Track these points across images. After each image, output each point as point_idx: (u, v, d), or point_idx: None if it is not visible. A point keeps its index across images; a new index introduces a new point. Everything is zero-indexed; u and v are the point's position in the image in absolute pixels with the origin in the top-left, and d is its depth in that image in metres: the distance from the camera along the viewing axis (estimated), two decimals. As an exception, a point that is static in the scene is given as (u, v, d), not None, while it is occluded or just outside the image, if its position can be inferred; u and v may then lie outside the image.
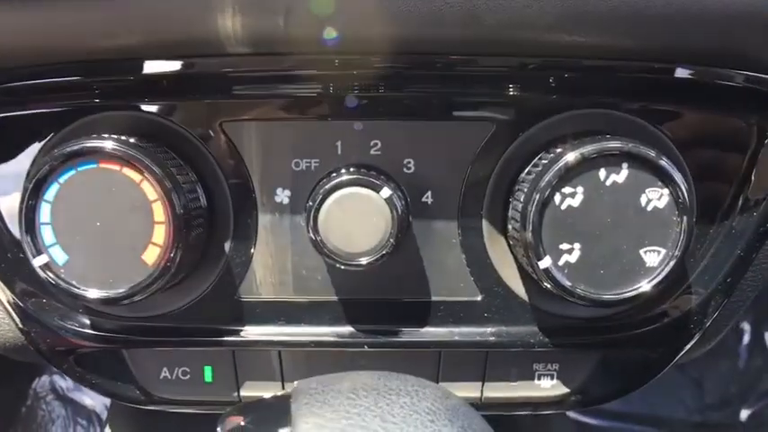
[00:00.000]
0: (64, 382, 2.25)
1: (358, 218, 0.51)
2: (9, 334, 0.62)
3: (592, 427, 1.83)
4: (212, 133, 0.54)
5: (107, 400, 2.26)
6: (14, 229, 0.55)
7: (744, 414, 2.25)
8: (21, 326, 0.59)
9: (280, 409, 0.34)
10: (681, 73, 0.55)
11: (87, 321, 0.58)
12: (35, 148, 0.54)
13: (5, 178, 0.55)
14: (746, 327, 2.48)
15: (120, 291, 0.50)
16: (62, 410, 2.14)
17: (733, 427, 2.22)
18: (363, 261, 0.51)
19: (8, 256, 0.56)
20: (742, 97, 0.55)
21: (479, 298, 0.57)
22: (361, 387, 0.34)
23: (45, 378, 2.20)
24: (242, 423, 0.35)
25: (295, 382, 0.40)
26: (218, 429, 0.35)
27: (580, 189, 0.50)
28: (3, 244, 0.56)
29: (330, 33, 0.48)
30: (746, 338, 2.36)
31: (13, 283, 0.57)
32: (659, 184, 0.50)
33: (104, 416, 2.24)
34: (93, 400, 2.22)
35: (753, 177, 0.56)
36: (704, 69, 0.53)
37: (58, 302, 0.58)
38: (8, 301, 0.58)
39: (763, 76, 0.53)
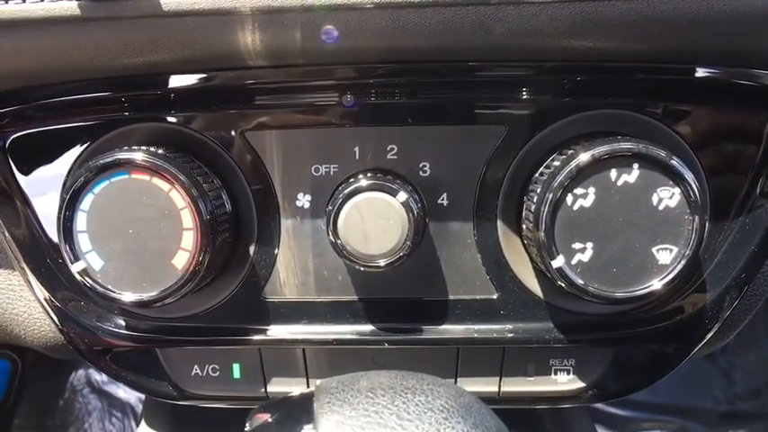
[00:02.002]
0: (99, 376, 2.32)
1: (376, 221, 0.53)
2: (49, 335, 0.66)
3: (618, 418, 1.83)
4: (235, 142, 0.57)
5: (141, 394, 2.33)
6: (53, 236, 0.59)
7: (774, 406, 2.22)
8: (60, 327, 0.62)
9: (303, 408, 0.36)
10: (691, 73, 0.55)
11: (122, 322, 0.61)
12: (70, 159, 0.57)
13: (43, 189, 0.58)
14: (776, 316, 2.43)
15: (153, 294, 0.53)
16: (98, 403, 2.21)
17: (762, 418, 2.19)
18: (381, 263, 0.53)
19: (47, 261, 0.60)
20: (753, 95, 0.55)
21: (495, 296, 0.59)
22: (378, 386, 0.36)
23: (81, 372, 2.27)
24: (269, 420, 0.37)
25: (317, 381, 0.42)
26: (247, 426, 0.37)
27: (592, 189, 0.51)
28: (42, 250, 0.59)
29: (342, 45, 0.50)
30: (777, 327, 2.32)
31: (53, 287, 0.60)
32: (670, 183, 0.51)
33: (138, 408, 2.31)
34: (127, 393, 2.29)
35: (765, 173, 0.56)
36: (714, 69, 0.54)
37: (94, 305, 0.61)
38: (48, 304, 0.61)
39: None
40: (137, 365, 0.64)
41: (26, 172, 0.58)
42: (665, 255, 0.51)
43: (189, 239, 0.53)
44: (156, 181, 0.52)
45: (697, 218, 0.50)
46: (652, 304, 0.57)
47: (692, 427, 1.90)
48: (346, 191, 0.54)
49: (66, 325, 0.62)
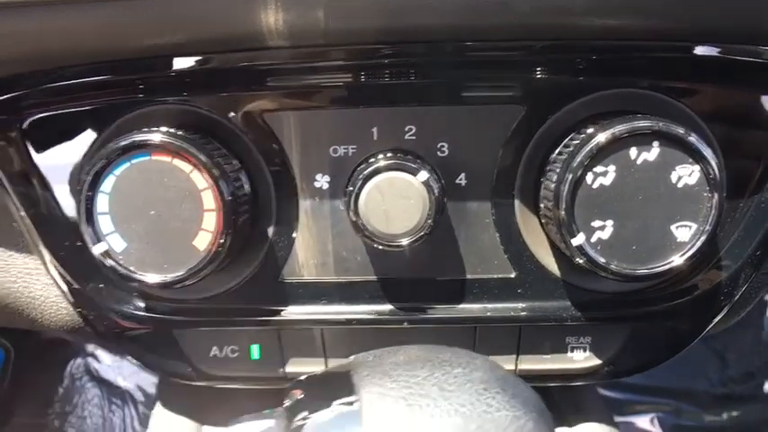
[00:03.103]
0: (98, 364, 2.32)
1: (397, 200, 0.53)
2: (66, 317, 0.66)
3: (613, 401, 1.85)
4: (253, 124, 0.57)
5: (141, 381, 2.33)
6: (72, 218, 0.59)
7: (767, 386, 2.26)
8: (79, 309, 0.62)
9: (342, 381, 0.36)
10: (708, 51, 0.56)
11: (141, 304, 0.61)
12: (88, 141, 0.57)
13: (61, 172, 0.58)
14: (770, 299, 2.46)
15: (175, 275, 0.53)
16: (97, 391, 2.21)
17: (756, 400, 2.22)
18: (404, 242, 0.53)
19: (66, 244, 0.60)
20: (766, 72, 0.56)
21: (513, 275, 0.60)
22: (416, 359, 0.37)
23: (80, 360, 2.27)
24: (307, 395, 0.37)
25: (351, 357, 0.42)
26: (286, 401, 0.38)
27: (611, 168, 0.52)
28: (61, 233, 0.59)
29: (364, 25, 0.50)
30: (769, 311, 2.35)
31: (72, 270, 0.60)
32: (690, 160, 0.51)
33: (137, 395, 2.30)
34: (126, 381, 2.29)
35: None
36: (730, 47, 0.54)
37: (113, 287, 0.61)
38: (67, 287, 0.61)
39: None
40: (155, 347, 0.64)
41: (45, 155, 0.58)
42: (685, 232, 0.52)
43: (210, 220, 0.53)
44: (178, 162, 0.52)
45: (716, 195, 0.51)
46: (669, 281, 0.58)
47: (687, 408, 1.93)
48: (366, 171, 0.54)
49: (84, 307, 0.62)
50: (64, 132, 0.57)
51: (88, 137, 0.57)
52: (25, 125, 0.57)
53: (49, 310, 0.66)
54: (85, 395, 2.17)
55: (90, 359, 2.29)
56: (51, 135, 0.57)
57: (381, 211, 0.53)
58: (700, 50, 0.55)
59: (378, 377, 0.35)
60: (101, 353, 2.34)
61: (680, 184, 0.52)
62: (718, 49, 0.55)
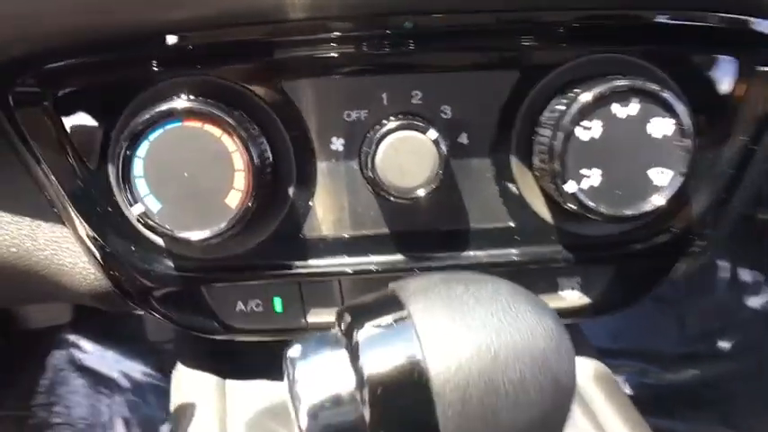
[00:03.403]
0: (82, 354, 2.32)
1: (410, 156, 0.59)
2: (95, 283, 0.70)
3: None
4: (273, 92, 0.62)
5: (126, 369, 2.34)
6: (104, 185, 0.63)
7: (724, 344, 2.42)
8: (110, 272, 0.67)
9: (386, 302, 0.42)
10: (675, 19, 0.63)
11: (170, 264, 0.66)
12: (119, 112, 0.61)
13: (93, 141, 0.62)
14: (724, 264, 2.63)
15: (211, 231, 0.58)
16: (82, 381, 2.21)
17: (715, 357, 2.38)
18: (419, 193, 0.59)
19: (97, 209, 0.64)
20: (729, 37, 0.63)
21: (511, 224, 0.66)
22: (451, 279, 0.42)
23: (63, 352, 2.27)
24: (350, 320, 0.43)
25: (390, 283, 0.48)
26: (341, 325, 0.43)
27: (597, 123, 0.59)
28: (93, 200, 0.63)
29: None
30: (724, 275, 2.51)
31: (103, 235, 0.65)
32: (664, 114, 0.58)
33: (124, 383, 2.32)
34: (111, 370, 2.30)
35: (740, 107, 0.65)
36: (705, 15, 0.62)
37: (142, 249, 0.65)
38: (99, 251, 0.65)
39: (742, 17, 0.63)
40: (183, 305, 0.69)
41: (77, 125, 0.61)
42: (662, 177, 0.60)
43: (240, 180, 0.58)
44: (208, 127, 0.57)
45: (689, 142, 0.58)
46: (649, 223, 0.65)
47: (652, 369, 2.05)
48: (380, 132, 0.59)
49: (115, 270, 0.66)
50: (94, 104, 0.61)
51: (118, 108, 0.61)
52: (58, 96, 0.60)
53: (78, 277, 0.69)
54: (71, 386, 2.17)
55: (73, 350, 2.29)
56: (83, 106, 0.61)
57: (397, 166, 0.59)
58: (665, 18, 0.63)
59: (421, 293, 0.41)
60: (84, 343, 2.34)
61: (657, 135, 0.59)
62: (686, 17, 0.63)
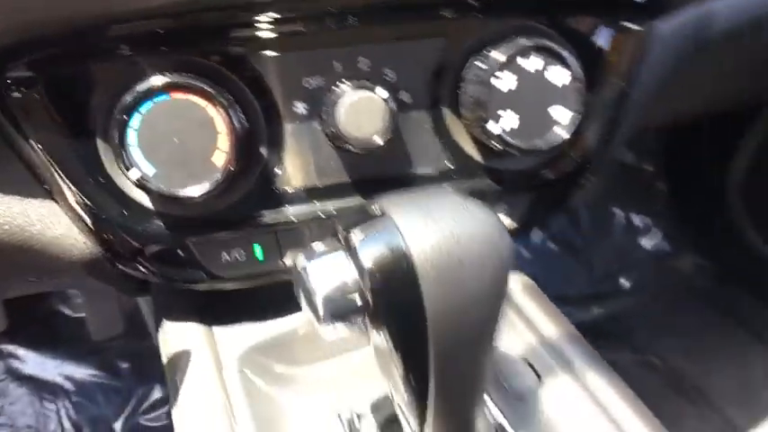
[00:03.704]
0: (20, 363, 2.29)
1: (365, 113, 0.71)
2: (86, 251, 0.77)
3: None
4: (243, 67, 0.71)
5: (68, 371, 2.33)
6: (93, 159, 0.71)
7: (624, 282, 2.73)
8: (105, 236, 0.75)
9: (371, 212, 0.55)
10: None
11: (160, 223, 0.75)
12: (106, 92, 0.69)
13: (83, 118, 0.69)
14: (619, 212, 2.96)
15: (201, 188, 0.68)
16: (24, 390, 2.19)
17: (618, 295, 2.68)
18: (377, 141, 0.71)
19: (91, 181, 0.71)
20: (603, 4, 0.80)
21: (449, 165, 0.80)
22: (414, 192, 0.56)
23: (0, 363, 2.23)
24: (344, 224, 0.55)
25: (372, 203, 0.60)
26: (332, 236, 0.55)
27: (510, 75, 0.73)
28: (87, 172, 0.71)
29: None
30: (620, 222, 2.83)
31: (97, 203, 0.72)
32: (562, 66, 0.74)
33: (68, 386, 2.31)
34: (52, 375, 2.28)
35: (614, 57, 0.82)
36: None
37: (133, 213, 0.74)
38: (92, 218, 0.73)
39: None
40: (172, 261, 0.78)
41: (68, 107, 0.69)
42: (564, 116, 0.75)
43: (224, 141, 0.68)
44: (193, 98, 0.67)
45: (581, 87, 0.74)
46: (556, 154, 0.82)
47: (564, 310, 2.30)
48: (337, 94, 0.71)
49: (108, 234, 0.74)
50: (83, 86, 0.69)
51: (105, 88, 0.69)
52: (48, 80, 0.68)
53: (69, 246, 0.77)
54: (11, 396, 2.14)
55: (10, 360, 2.26)
56: (72, 88, 0.69)
57: (354, 121, 0.71)
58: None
59: (396, 203, 0.53)
60: (21, 351, 2.31)
61: (557, 83, 0.74)
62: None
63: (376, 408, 0.75)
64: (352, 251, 0.52)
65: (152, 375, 2.28)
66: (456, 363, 0.53)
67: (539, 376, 0.79)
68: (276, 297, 0.84)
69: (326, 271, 0.52)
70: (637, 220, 2.79)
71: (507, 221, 0.85)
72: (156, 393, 2.24)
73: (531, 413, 0.76)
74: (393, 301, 0.51)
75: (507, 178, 0.82)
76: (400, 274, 0.50)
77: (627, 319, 2.54)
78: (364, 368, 0.81)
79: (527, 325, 0.85)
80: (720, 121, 2.30)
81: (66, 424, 2.14)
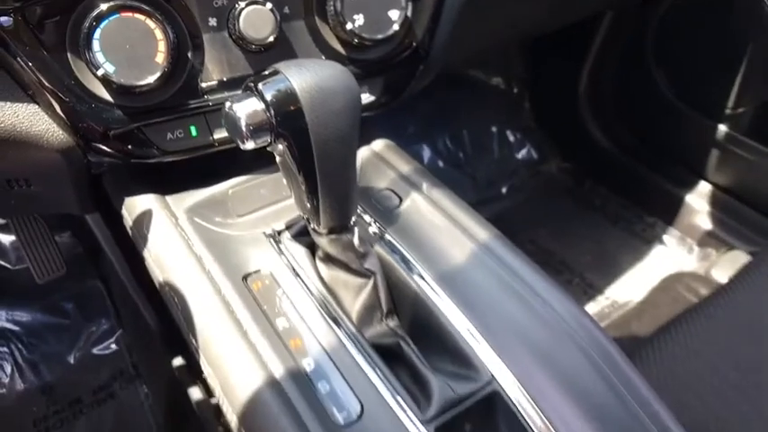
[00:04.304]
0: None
1: (258, 19, 1.03)
2: (63, 138, 1.05)
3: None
4: (166, -5, 1.01)
5: (16, 317, 2.52)
6: (67, 68, 0.99)
7: (503, 189, 3.21)
8: (80, 125, 1.03)
9: (268, 72, 0.88)
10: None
11: (120, 112, 1.04)
12: (68, 19, 0.97)
13: (54, 38, 0.97)
14: (494, 130, 3.44)
15: (149, 79, 0.98)
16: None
17: (499, 198, 3.15)
18: (271, 39, 1.04)
19: (65, 82, 0.99)
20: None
21: (323, 57, 1.14)
22: (296, 60, 0.89)
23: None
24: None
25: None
26: (243, 90, 0.88)
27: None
28: (60, 78, 0.99)
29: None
30: (496, 138, 3.29)
31: (70, 100, 1.01)
32: (391, -20, 1.09)
33: (17, 330, 2.51)
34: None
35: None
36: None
37: (98, 104, 1.03)
38: (67, 113, 1.01)
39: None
40: (130, 141, 1.07)
41: (46, 29, 0.96)
42: (396, 14, 1.11)
43: (162, 45, 0.98)
44: (137, 15, 0.96)
45: None
46: (396, 44, 1.17)
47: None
48: (238, 9, 1.03)
49: (83, 122, 1.03)
50: (53, 13, 0.96)
51: (73, 13, 0.97)
52: (29, 10, 0.95)
53: (51, 138, 1.03)
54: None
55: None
56: (46, 16, 0.96)
57: (251, 25, 1.03)
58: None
59: (285, 65, 0.86)
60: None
61: (389, -8, 1.09)
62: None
63: (289, 224, 1.09)
64: (259, 93, 0.85)
65: (96, 312, 2.52)
66: (331, 158, 0.87)
67: (400, 198, 1.16)
68: (210, 168, 1.16)
69: (245, 106, 0.85)
70: (510, 135, 3.26)
71: (366, 96, 1.21)
72: (103, 326, 2.48)
73: (396, 221, 1.12)
74: (287, 118, 0.84)
75: (364, 66, 1.17)
76: (290, 102, 0.84)
77: (508, 218, 3.02)
78: (275, 215, 1.15)
79: (389, 167, 1.21)
80: (570, 35, 2.76)
81: (22, 363, 2.35)
